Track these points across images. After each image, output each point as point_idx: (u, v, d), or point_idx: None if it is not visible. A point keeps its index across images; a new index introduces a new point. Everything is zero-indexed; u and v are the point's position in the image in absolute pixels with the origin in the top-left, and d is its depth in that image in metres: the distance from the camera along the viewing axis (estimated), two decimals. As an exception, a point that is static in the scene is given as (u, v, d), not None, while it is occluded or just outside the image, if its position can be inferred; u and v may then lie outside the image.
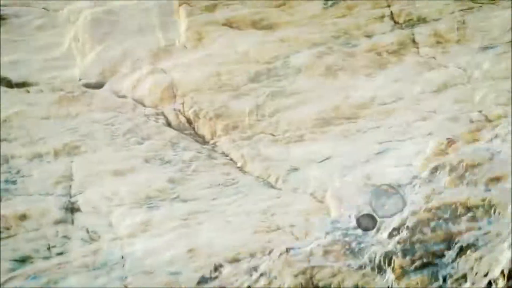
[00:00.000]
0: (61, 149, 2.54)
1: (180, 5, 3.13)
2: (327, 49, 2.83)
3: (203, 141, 2.64)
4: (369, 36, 2.88)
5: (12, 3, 3.73)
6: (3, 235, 2.22)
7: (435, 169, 1.75)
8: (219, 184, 2.36)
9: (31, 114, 2.71)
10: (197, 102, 2.71)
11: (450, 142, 2.19)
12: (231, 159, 2.52)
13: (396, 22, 2.92)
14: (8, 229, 2.25)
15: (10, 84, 3.17)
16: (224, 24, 3.00)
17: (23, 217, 2.28)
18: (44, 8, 3.71)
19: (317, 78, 2.73)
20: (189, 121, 2.69)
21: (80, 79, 3.15)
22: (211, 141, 2.62)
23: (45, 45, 3.48)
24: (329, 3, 3.00)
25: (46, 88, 2.84)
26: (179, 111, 2.72)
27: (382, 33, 2.88)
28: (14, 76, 3.24)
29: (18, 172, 2.47)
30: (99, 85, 3.11)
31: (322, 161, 2.42)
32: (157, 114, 2.72)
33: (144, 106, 2.78)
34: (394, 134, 2.47)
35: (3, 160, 2.52)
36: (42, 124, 2.67)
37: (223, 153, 2.55)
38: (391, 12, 2.95)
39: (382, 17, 2.93)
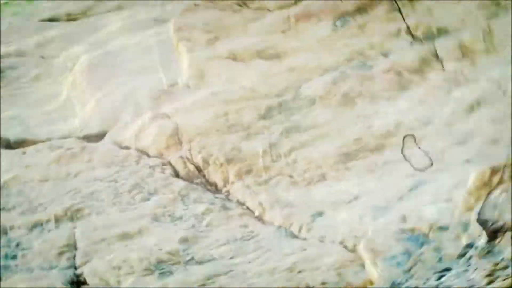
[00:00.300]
0: (63, 214, 2.33)
1: (178, 41, 2.93)
2: (341, 74, 2.58)
3: (215, 189, 2.40)
4: (386, 55, 2.62)
5: (6, 55, 3.59)
6: (5, 320, 2.01)
7: (494, 233, 1.46)
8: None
9: (28, 177, 2.52)
10: (205, 147, 2.49)
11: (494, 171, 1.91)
12: (248, 208, 2.28)
13: (414, 37, 2.66)
14: (10, 312, 2.04)
15: (8, 144, 3.00)
16: (227, 57, 2.78)
17: (25, 297, 2.07)
18: (41, 57, 3.56)
19: (334, 108, 2.48)
20: (198, 169, 2.46)
21: (81, 130, 2.97)
22: (224, 189, 2.38)
23: (43, 97, 3.30)
24: (339, 23, 2.76)
25: (44, 147, 2.65)
26: (187, 158, 2.49)
27: (400, 50, 2.62)
28: (11, 134, 3.07)
29: (17, 245, 2.26)
30: (100, 136, 2.92)
31: (349, 202, 2.16)
32: (163, 164, 2.50)
33: (149, 156, 2.56)
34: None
35: (2, 233, 2.32)
36: (41, 187, 2.47)
37: (238, 202, 2.31)
38: (407, 25, 2.69)
39: (398, 32, 2.68)
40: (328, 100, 2.50)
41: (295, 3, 2.88)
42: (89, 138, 2.94)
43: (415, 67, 2.54)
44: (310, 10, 2.83)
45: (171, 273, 2.08)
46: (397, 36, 2.67)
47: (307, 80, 2.61)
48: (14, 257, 2.22)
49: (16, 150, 2.73)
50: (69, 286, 2.09)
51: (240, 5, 2.99)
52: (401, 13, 2.71)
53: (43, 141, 2.88)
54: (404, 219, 2.00)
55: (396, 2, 2.76)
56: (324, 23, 2.79)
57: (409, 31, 2.67)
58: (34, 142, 2.92)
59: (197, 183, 2.42)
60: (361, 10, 2.78)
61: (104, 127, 2.97)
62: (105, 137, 2.73)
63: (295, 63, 2.68)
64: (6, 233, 2.32)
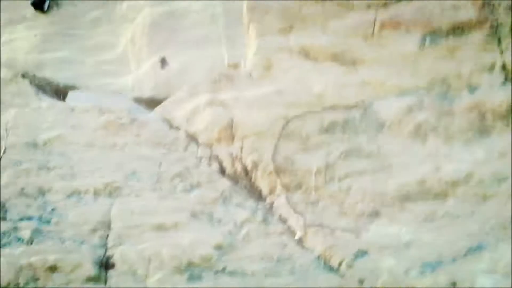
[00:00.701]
0: (102, 188, 2.27)
1: (249, 21, 2.71)
2: (418, 101, 2.36)
3: (259, 197, 2.29)
4: (472, 89, 2.38)
5: (68, -11, 3.42)
6: (29, 286, 2.01)
7: None
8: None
9: (73, 139, 2.44)
10: (257, 149, 2.35)
11: None
12: (289, 227, 2.17)
13: (508, 76, 2.40)
14: (36, 279, 2.03)
15: (55, 88, 2.89)
16: (299, 52, 2.57)
17: (53, 268, 2.05)
18: (103, -1, 3.37)
19: (403, 138, 2.29)
20: (246, 171, 2.34)
21: (132, 90, 2.86)
22: (268, 199, 2.27)
23: (99, 44, 3.17)
24: (428, 40, 2.49)
25: (94, 109, 2.55)
26: (236, 157, 2.37)
27: (489, 88, 2.37)
28: (61, 78, 2.96)
29: (53, 210, 2.23)
30: (150, 102, 2.80)
31: (399, 248, 2.03)
32: (211, 157, 2.38)
33: (198, 144, 2.44)
34: (491, 228, 2.03)
35: (39, 193, 2.28)
36: (85, 153, 2.39)
37: (280, 217, 2.21)
38: (504, 61, 2.42)
39: (492, 66, 2.41)
40: (399, 128, 2.31)
41: (385, 5, 2.60)
42: (139, 101, 2.84)
43: (501, 111, 2.30)
44: (399, 18, 2.56)
45: (200, 278, 2.02)
46: (490, 71, 2.41)
47: (380, 99, 2.40)
48: (48, 222, 2.20)
49: (65, 105, 2.65)
50: (97, 266, 2.06)
51: (323, -6, 2.73)
52: (500, 44, 2.44)
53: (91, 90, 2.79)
54: (454, 285, 1.87)
55: (496, 30, 2.47)
56: (412, 36, 2.53)
57: (504, 67, 2.40)
58: (81, 88, 2.82)
59: (241, 186, 2.31)
60: (456, 30, 2.50)
61: (155, 94, 2.85)
62: (156, 111, 2.62)
63: (371, 76, 2.45)
64: (43, 194, 2.29)
